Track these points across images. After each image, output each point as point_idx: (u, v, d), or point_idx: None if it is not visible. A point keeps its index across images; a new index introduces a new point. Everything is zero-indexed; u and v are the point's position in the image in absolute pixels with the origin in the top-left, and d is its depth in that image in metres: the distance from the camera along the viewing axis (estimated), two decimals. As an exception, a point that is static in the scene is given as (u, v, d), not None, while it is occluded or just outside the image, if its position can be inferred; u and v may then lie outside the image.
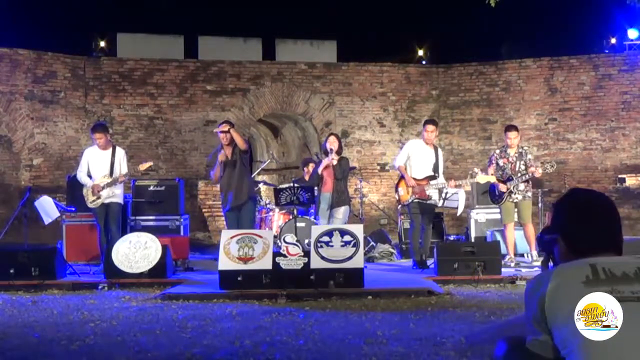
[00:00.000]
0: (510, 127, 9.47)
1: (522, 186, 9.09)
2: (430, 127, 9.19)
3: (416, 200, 9.02)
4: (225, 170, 8.81)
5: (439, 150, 9.40)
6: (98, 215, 9.05)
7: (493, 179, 9.30)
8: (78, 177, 9.22)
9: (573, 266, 1.98)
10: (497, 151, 9.47)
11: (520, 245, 9.57)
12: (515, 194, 9.09)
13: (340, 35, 16.71)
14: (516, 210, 9.17)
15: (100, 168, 9.03)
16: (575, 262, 1.99)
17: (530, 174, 9.02)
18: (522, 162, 9.18)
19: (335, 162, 9.29)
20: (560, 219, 2.12)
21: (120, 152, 9.16)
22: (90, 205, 9.02)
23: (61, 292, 7.83)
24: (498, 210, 10.14)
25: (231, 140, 8.74)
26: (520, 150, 9.28)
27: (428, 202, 9.07)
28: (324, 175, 9.34)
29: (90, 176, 9.04)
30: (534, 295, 1.97)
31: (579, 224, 2.07)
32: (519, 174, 9.09)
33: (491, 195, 9.42)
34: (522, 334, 2.04)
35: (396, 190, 9.31)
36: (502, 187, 9.10)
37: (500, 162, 9.26)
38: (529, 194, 9.19)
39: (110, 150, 9.08)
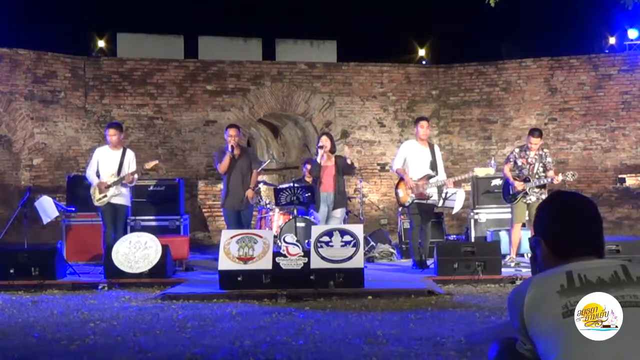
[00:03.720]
0: (533, 132, 9.23)
1: (537, 188, 9.04)
2: (423, 123, 9.17)
3: (416, 201, 9.02)
4: (233, 169, 9.20)
5: (436, 147, 9.35)
6: (104, 214, 9.02)
7: (492, 171, 9.28)
8: (87, 175, 9.23)
9: (549, 275, 1.99)
10: (517, 150, 9.35)
11: (524, 245, 9.54)
12: (529, 195, 9.04)
13: (340, 35, 16.74)
14: (527, 211, 9.13)
15: (109, 167, 9.04)
16: (552, 271, 2.00)
17: (549, 179, 8.96)
18: (541, 165, 9.12)
19: (328, 162, 9.37)
20: (542, 222, 2.13)
21: (130, 154, 9.21)
22: (96, 204, 9.00)
23: (61, 292, 7.82)
24: (499, 210, 10.14)
25: (238, 143, 9.29)
26: (540, 152, 9.19)
27: (428, 202, 9.06)
28: (321, 174, 9.38)
29: (98, 175, 9.05)
30: (514, 308, 1.99)
31: (560, 226, 2.08)
32: (537, 176, 9.05)
33: (504, 193, 9.33)
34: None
35: (396, 192, 9.32)
36: (519, 186, 9.04)
37: (519, 162, 9.18)
38: (544, 196, 9.07)
39: (120, 150, 9.14)
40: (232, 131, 9.22)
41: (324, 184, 9.37)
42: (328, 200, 9.38)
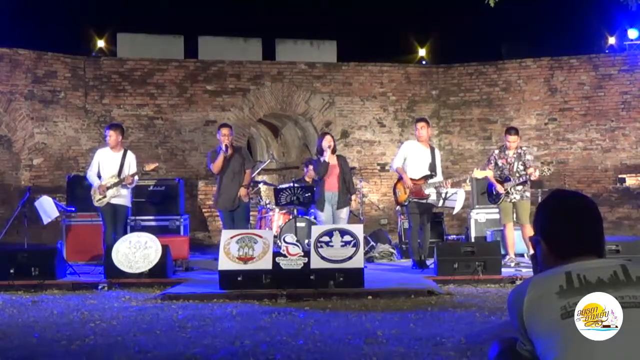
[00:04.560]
0: (510, 130, 9.38)
1: (519, 186, 9.08)
2: (420, 124, 9.20)
3: (414, 201, 9.05)
4: (226, 169, 9.15)
5: (436, 150, 9.41)
6: (104, 214, 9.01)
7: (490, 174, 9.31)
8: (87, 176, 9.22)
9: (548, 276, 1.99)
10: (497, 151, 9.45)
11: (519, 245, 9.56)
12: (512, 194, 9.08)
13: (340, 35, 16.73)
14: (514, 210, 9.17)
15: (110, 169, 9.04)
16: (551, 271, 2.00)
17: (527, 177, 9.01)
18: (521, 163, 9.16)
19: (332, 161, 9.40)
20: (541, 221, 2.13)
21: (130, 156, 9.20)
22: (96, 204, 9.00)
23: (61, 292, 7.82)
24: (497, 210, 10.14)
25: (231, 142, 9.24)
26: (519, 151, 9.25)
27: (426, 202, 9.09)
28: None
29: (99, 177, 9.04)
30: (514, 308, 1.99)
31: (558, 226, 2.07)
32: (517, 175, 9.09)
33: (488, 195, 9.44)
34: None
35: (394, 192, 9.37)
36: (500, 188, 9.12)
37: (499, 163, 9.26)
38: (527, 194, 9.16)
39: (121, 152, 9.13)
40: (225, 130, 9.20)
41: (328, 183, 9.34)
42: (332, 200, 9.36)
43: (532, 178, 9.02)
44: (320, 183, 9.38)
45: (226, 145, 9.11)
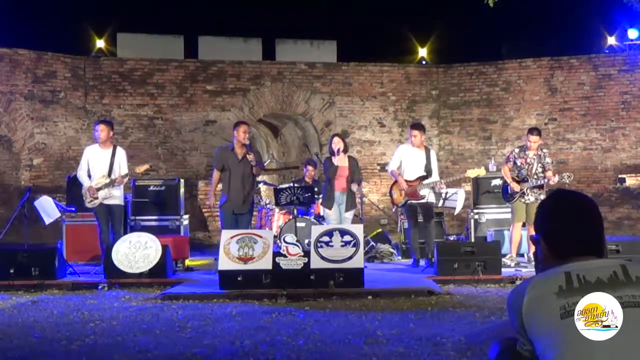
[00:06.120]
0: (532, 130, 9.29)
1: (536, 189, 9.04)
2: (414, 132, 9.23)
3: (410, 202, 9.10)
4: (236, 172, 8.87)
5: (431, 151, 9.42)
6: (98, 215, 8.92)
7: (483, 172, 9.33)
8: (78, 176, 9.07)
9: (548, 276, 1.99)
10: (516, 150, 9.36)
11: (524, 245, 9.55)
12: (528, 195, 9.05)
13: (340, 35, 16.73)
14: (526, 211, 9.13)
15: (100, 167, 8.86)
16: (551, 271, 2.00)
17: (546, 180, 8.97)
18: (540, 165, 9.12)
19: (342, 163, 9.41)
20: (541, 220, 2.13)
21: (120, 152, 8.98)
22: (88, 205, 8.92)
23: (61, 292, 7.82)
24: (499, 210, 10.15)
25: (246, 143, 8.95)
26: (539, 152, 9.18)
27: (424, 202, 9.12)
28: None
29: (90, 175, 8.90)
30: (513, 309, 1.99)
31: (559, 226, 2.07)
32: (535, 177, 9.06)
33: (503, 193, 9.39)
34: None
35: (390, 193, 9.44)
36: (516, 187, 9.07)
37: (518, 162, 9.20)
38: (542, 197, 9.08)
39: (110, 149, 8.92)
40: (244, 127, 8.92)
41: (337, 183, 9.39)
42: (340, 200, 9.40)
43: (551, 182, 8.96)
44: (330, 183, 9.40)
45: (246, 144, 8.78)
